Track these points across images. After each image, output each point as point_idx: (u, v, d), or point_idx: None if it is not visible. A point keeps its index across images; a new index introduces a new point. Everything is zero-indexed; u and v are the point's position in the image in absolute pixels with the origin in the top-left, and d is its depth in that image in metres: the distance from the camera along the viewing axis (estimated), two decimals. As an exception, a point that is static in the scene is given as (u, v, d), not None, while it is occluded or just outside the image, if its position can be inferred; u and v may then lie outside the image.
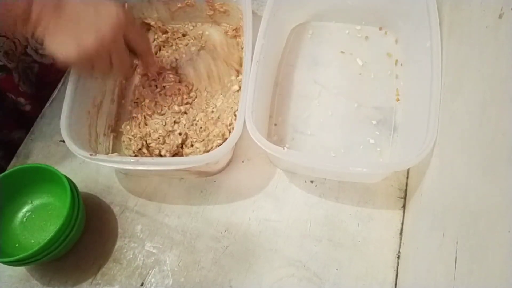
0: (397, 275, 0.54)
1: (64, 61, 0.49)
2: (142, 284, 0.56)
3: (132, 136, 0.62)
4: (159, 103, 0.64)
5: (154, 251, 0.58)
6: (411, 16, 0.62)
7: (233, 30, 0.70)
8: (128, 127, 0.63)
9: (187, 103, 0.64)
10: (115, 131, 0.65)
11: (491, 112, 0.37)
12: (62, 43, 0.48)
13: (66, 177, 0.54)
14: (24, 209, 0.58)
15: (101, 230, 0.59)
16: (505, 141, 0.33)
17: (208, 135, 0.60)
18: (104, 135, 0.63)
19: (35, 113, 0.70)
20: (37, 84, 0.73)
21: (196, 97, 0.65)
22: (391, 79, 0.66)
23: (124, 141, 0.63)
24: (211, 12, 0.70)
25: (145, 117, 0.63)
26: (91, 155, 0.52)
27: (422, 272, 0.46)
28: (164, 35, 0.71)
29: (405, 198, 0.58)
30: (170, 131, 0.61)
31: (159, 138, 0.60)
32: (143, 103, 0.64)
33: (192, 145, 0.61)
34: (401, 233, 0.56)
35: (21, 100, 0.71)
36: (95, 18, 0.49)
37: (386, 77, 0.66)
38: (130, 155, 0.61)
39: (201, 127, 0.61)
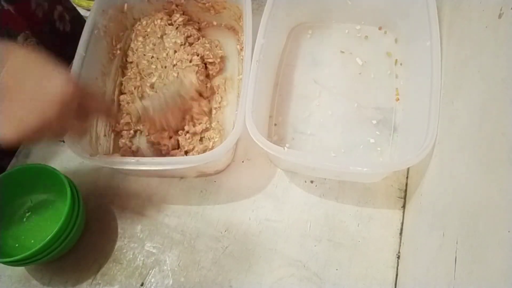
0: (397, 275, 0.54)
1: (4, 143, 0.40)
2: (142, 284, 0.56)
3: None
4: None
5: (154, 251, 0.58)
6: (410, 16, 0.62)
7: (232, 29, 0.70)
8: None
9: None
10: (115, 131, 0.65)
11: (491, 112, 0.37)
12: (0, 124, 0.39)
13: (66, 177, 0.54)
14: (24, 209, 0.58)
15: (101, 230, 0.59)
16: (505, 141, 0.33)
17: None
18: (105, 136, 0.63)
19: None
20: None
21: None
22: (391, 79, 0.66)
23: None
24: (211, 12, 0.70)
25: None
26: (91, 155, 0.52)
27: (422, 272, 0.46)
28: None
29: (405, 198, 0.58)
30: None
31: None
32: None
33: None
34: (401, 233, 0.56)
35: None
36: (37, 95, 0.40)
37: (386, 76, 0.66)
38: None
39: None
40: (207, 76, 0.67)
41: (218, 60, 0.68)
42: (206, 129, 0.63)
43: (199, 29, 0.72)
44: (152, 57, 0.68)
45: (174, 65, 0.66)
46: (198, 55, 0.66)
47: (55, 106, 0.40)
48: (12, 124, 0.39)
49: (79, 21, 0.76)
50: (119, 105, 0.66)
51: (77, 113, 0.44)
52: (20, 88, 0.40)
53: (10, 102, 0.40)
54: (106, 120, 0.60)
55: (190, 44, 0.68)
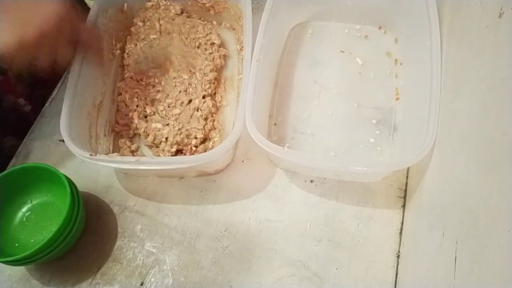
0: (397, 275, 0.54)
1: (2, 52, 0.45)
2: (142, 284, 0.56)
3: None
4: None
5: (154, 250, 0.58)
6: (410, 15, 0.62)
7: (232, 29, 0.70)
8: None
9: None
10: (115, 131, 0.65)
11: (491, 112, 0.37)
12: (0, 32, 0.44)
13: (66, 176, 0.54)
14: (24, 209, 0.58)
15: (101, 229, 0.59)
16: (505, 141, 0.33)
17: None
18: (105, 135, 0.63)
19: (36, 114, 0.70)
20: (32, 84, 0.72)
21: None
22: (391, 78, 0.66)
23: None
24: (211, 12, 0.70)
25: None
26: (91, 155, 0.52)
27: (422, 272, 0.46)
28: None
29: (405, 197, 0.58)
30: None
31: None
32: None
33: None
34: (400, 233, 0.56)
35: (21, 101, 0.71)
36: (35, 8, 0.45)
37: (386, 76, 0.66)
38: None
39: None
40: (216, 70, 0.67)
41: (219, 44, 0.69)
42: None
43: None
44: (147, 57, 0.68)
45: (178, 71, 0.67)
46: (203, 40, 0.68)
47: (52, 20, 0.45)
48: (12, 33, 0.44)
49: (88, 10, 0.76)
50: (118, 105, 0.66)
51: (69, 38, 0.49)
52: (17, 5, 0.45)
53: (7, 14, 0.44)
54: (94, 60, 0.58)
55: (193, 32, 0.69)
